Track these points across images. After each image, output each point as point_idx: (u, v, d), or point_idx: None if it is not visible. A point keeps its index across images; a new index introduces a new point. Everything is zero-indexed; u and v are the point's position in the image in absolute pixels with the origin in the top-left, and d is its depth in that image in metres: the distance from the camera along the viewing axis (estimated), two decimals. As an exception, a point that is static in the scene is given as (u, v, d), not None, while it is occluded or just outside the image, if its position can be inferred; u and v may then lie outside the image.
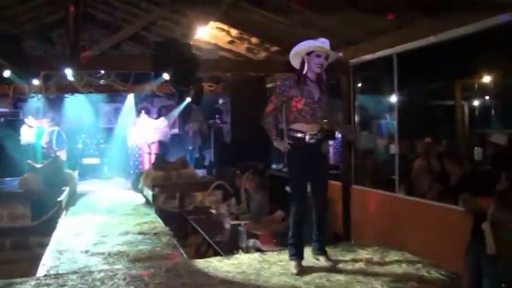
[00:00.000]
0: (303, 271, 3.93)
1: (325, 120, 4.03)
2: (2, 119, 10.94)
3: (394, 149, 6.08)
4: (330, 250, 4.49)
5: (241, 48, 7.94)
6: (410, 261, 4.19)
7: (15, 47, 6.03)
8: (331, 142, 9.22)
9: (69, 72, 7.03)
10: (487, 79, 7.61)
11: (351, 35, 6.29)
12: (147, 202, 8.64)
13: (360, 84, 7.00)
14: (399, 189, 5.92)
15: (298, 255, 4.06)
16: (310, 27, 6.34)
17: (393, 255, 4.37)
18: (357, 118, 6.82)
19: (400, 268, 4.02)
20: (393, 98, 6.45)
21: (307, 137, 3.98)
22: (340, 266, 4.12)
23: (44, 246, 7.04)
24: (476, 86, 8.02)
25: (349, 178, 6.64)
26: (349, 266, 4.10)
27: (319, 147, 4.03)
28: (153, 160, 10.95)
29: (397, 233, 5.35)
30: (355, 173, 6.72)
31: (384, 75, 6.55)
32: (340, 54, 4.21)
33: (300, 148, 4.02)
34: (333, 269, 4.00)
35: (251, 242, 5.07)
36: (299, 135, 4.01)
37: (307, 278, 3.82)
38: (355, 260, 4.26)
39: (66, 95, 10.50)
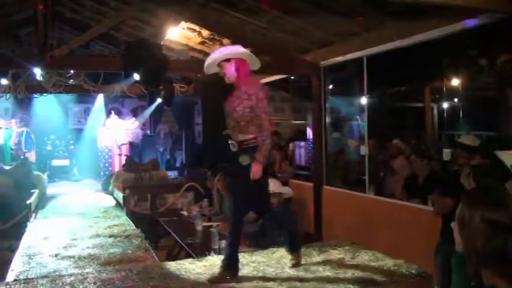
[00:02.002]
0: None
1: (238, 134, 3.83)
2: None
3: (364, 149, 6.17)
4: (302, 250, 4.53)
5: (213, 49, 7.92)
6: (382, 260, 4.24)
7: (-18, 46, 5.91)
8: (302, 143, 9.38)
9: (37, 72, 6.91)
10: (455, 82, 7.80)
11: (321, 37, 6.36)
12: (118, 204, 8.51)
13: (331, 86, 7.08)
14: (369, 190, 6.01)
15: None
16: (282, 29, 6.39)
17: (364, 255, 4.42)
18: (328, 119, 6.88)
19: (371, 267, 4.07)
20: (363, 100, 6.54)
21: (231, 145, 3.89)
22: (312, 266, 4.15)
23: (13, 250, 6.90)
24: (444, 89, 8.21)
25: (320, 179, 6.70)
26: (321, 266, 4.13)
27: (240, 157, 3.79)
28: (123, 162, 10.84)
29: (368, 233, 5.43)
30: (327, 174, 6.78)
31: (355, 77, 6.64)
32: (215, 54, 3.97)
33: (230, 156, 3.93)
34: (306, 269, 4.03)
35: (223, 243, 5.06)
36: (229, 141, 3.93)
37: (279, 279, 3.84)
38: (326, 260, 4.30)
39: (35, 95, 10.31)
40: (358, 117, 8.26)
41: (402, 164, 6.58)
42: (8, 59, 6.79)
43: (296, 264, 4.10)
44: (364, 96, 6.38)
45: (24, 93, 9.15)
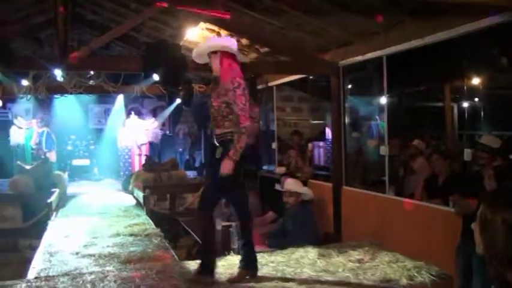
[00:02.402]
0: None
1: (216, 128, 3.81)
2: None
3: (384, 149, 6.12)
4: (321, 250, 4.52)
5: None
6: (402, 261, 4.21)
7: (4, 48, 5.99)
8: (321, 144, 9.35)
9: (58, 73, 6.99)
10: (476, 81, 7.69)
11: (340, 37, 6.33)
12: (138, 204, 8.59)
13: (350, 86, 7.04)
14: (389, 190, 5.96)
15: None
16: (300, 29, 6.38)
17: (384, 256, 4.39)
18: (347, 119, 6.84)
19: (391, 269, 4.03)
20: (383, 100, 6.49)
21: (214, 138, 3.88)
22: (331, 266, 4.14)
23: (34, 248, 7.01)
24: (465, 88, 8.10)
25: (339, 179, 6.66)
26: (340, 267, 4.11)
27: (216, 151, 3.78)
28: (143, 161, 10.93)
29: (388, 234, 5.38)
30: (346, 174, 6.74)
31: (374, 77, 6.59)
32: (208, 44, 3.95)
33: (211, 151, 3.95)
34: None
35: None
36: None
37: (298, 279, 3.83)
38: (346, 261, 4.28)
39: (55, 96, 10.44)
40: (377, 117, 8.20)
41: (422, 164, 6.52)
42: (29, 61, 6.90)
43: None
44: (383, 96, 6.33)
45: (45, 94, 9.27)
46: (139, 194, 8.57)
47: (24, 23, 8.39)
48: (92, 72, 8.62)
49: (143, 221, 6.93)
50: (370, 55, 6.11)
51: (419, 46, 5.31)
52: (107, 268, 4.57)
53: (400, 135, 7.23)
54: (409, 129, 8.23)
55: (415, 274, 3.87)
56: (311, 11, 5.67)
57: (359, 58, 6.33)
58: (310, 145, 8.83)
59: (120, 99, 12.76)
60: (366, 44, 6.09)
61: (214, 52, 3.88)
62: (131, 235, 6.04)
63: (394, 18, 5.30)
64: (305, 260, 4.31)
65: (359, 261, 4.27)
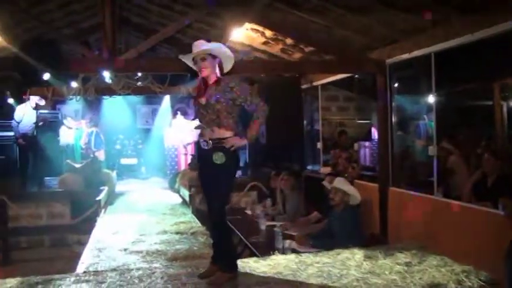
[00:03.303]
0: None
1: (210, 128, 3.83)
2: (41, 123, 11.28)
3: (432, 150, 5.97)
4: (367, 252, 4.46)
5: (276, 49, 7.94)
6: (450, 265, 4.12)
7: (55, 51, 6.19)
8: (367, 143, 9.22)
9: (107, 75, 7.17)
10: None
11: (387, 35, 6.21)
12: (184, 202, 8.74)
13: (396, 84, 6.90)
14: (437, 191, 5.81)
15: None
16: (346, 27, 6.31)
17: (432, 259, 4.30)
18: (394, 119, 6.71)
19: (439, 273, 3.95)
20: (431, 98, 6.33)
21: (201, 143, 3.88)
22: (378, 269, 4.08)
23: (82, 243, 7.22)
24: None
25: (386, 180, 6.55)
26: (387, 269, 4.05)
27: (212, 156, 3.77)
28: (189, 161, 11.07)
29: (436, 237, 5.25)
30: (393, 175, 6.61)
31: (422, 75, 6.44)
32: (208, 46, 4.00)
33: (200, 155, 3.98)
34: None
35: (287, 243, 5.07)
36: (199, 139, 3.94)
37: (344, 280, 3.80)
38: (393, 263, 4.21)
39: (104, 97, 10.71)
40: (425, 116, 8.00)
41: (456, 163, 6.38)
42: (79, 64, 7.11)
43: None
44: (432, 95, 6.17)
45: (94, 95, 9.52)
46: (185, 193, 8.71)
47: (74, 27, 8.68)
48: (139, 74, 8.78)
49: (189, 219, 7.05)
50: (417, 52, 5.97)
51: (468, 42, 5.15)
52: (154, 265, 4.66)
53: (448, 135, 7.04)
54: (458, 129, 8.00)
55: (464, 279, 3.78)
56: (357, 9, 5.61)
57: (406, 56, 6.20)
58: (356, 145, 8.72)
59: (166, 99, 12.98)
60: (412, 41, 5.95)
61: (213, 56, 3.95)
62: (177, 233, 6.15)
63: (442, 14, 5.17)
64: (351, 261, 4.27)
65: (406, 264, 4.20)
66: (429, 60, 5.76)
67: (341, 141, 8.90)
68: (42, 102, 10.31)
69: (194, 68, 4.04)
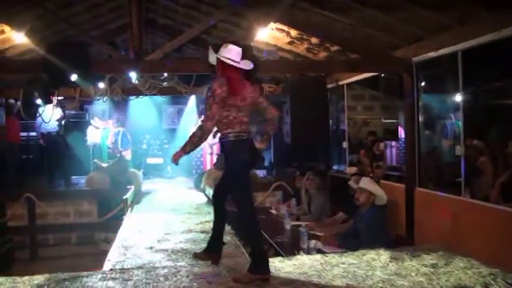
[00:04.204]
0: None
1: None
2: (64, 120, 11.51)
3: (459, 149, 5.87)
4: (393, 253, 4.42)
5: (301, 48, 7.93)
6: (477, 268, 4.04)
7: (82, 53, 6.30)
8: (393, 143, 9.13)
9: (133, 76, 7.28)
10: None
11: (413, 33, 6.14)
12: (209, 201, 8.76)
13: (423, 83, 6.81)
14: (465, 192, 5.71)
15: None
16: (371, 26, 6.26)
17: (459, 261, 4.23)
18: (421, 118, 6.63)
19: (465, 275, 3.88)
20: (458, 97, 6.23)
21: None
22: (404, 270, 4.03)
23: (109, 241, 7.33)
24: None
25: (413, 180, 6.47)
26: (413, 271, 4.00)
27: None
28: (214, 160, 11.11)
29: (463, 238, 5.17)
30: (419, 175, 6.53)
31: (449, 73, 6.34)
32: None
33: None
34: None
35: (312, 243, 5.05)
36: (252, 137, 4.25)
37: (369, 281, 3.77)
38: (419, 265, 4.16)
39: (130, 97, 10.85)
40: (452, 115, 7.88)
41: (486, 164, 6.26)
42: (106, 65, 7.21)
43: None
44: (459, 93, 6.07)
45: (121, 96, 9.66)
46: (211, 192, 8.74)
47: (101, 29, 8.81)
48: (165, 74, 8.87)
49: (214, 219, 7.06)
50: (444, 51, 5.88)
51: (496, 40, 5.05)
52: (180, 263, 4.69)
53: (476, 134, 6.92)
54: (485, 128, 7.85)
55: (491, 281, 3.71)
56: (382, 7, 5.55)
57: (432, 54, 6.11)
58: (382, 144, 8.64)
59: (192, 100, 13.06)
60: (439, 39, 5.87)
61: (217, 62, 4.14)
62: (203, 232, 6.17)
63: (469, 11, 5.08)
64: (377, 262, 4.23)
65: (433, 266, 4.14)
66: (456, 58, 5.68)
67: (369, 141, 8.83)
68: (69, 103, 10.52)
69: None
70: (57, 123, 10.15)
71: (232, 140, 4.01)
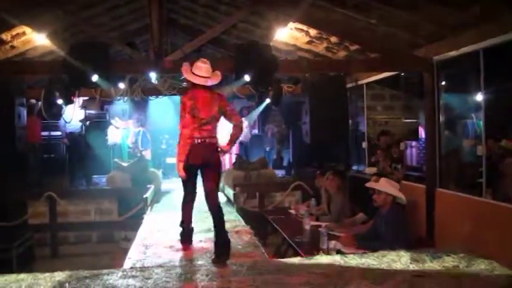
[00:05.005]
0: None
1: None
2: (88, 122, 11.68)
3: (481, 150, 5.79)
4: (414, 254, 4.38)
5: (320, 48, 7.90)
6: (498, 270, 3.99)
7: (103, 53, 6.38)
8: (413, 143, 9.04)
9: (153, 76, 7.32)
10: None
11: (433, 31, 6.07)
12: (228, 201, 8.80)
13: (444, 82, 6.74)
14: (486, 193, 5.62)
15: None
16: (391, 24, 6.21)
17: (480, 264, 4.18)
18: (441, 117, 6.56)
19: (487, 278, 3.83)
20: (479, 96, 6.15)
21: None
22: (425, 272, 4.00)
23: (129, 240, 7.40)
24: None
25: (433, 180, 6.40)
26: (434, 273, 3.96)
27: None
28: (233, 160, 11.14)
29: (485, 240, 5.08)
30: (440, 176, 6.45)
31: (470, 72, 6.26)
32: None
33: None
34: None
35: (332, 243, 5.03)
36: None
37: (389, 282, 3.74)
38: (440, 267, 4.12)
39: (150, 97, 10.93)
40: (473, 115, 7.77)
41: (509, 165, 6.15)
42: (126, 65, 7.29)
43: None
44: (480, 93, 5.99)
45: (141, 96, 9.75)
46: (230, 192, 8.78)
47: (121, 30, 8.90)
48: (185, 74, 8.92)
49: (234, 218, 7.09)
50: (465, 49, 5.80)
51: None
52: (199, 262, 4.72)
53: (498, 134, 6.82)
54: (508, 128, 7.73)
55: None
56: (402, 5, 5.50)
57: (453, 53, 6.04)
58: (402, 145, 8.57)
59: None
60: (460, 37, 5.79)
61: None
62: (222, 231, 6.19)
63: (491, 8, 5.00)
64: (397, 264, 4.20)
65: (454, 268, 4.09)
66: (478, 57, 5.60)
67: (381, 141, 8.75)
68: (90, 103, 10.67)
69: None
70: (80, 123, 10.29)
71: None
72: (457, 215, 5.83)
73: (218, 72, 5.01)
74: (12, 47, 7.42)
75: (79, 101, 10.83)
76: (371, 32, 6.62)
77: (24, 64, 7.25)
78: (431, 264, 4.19)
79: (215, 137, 5.01)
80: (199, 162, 4.94)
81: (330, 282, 3.80)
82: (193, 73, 4.89)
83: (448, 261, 4.28)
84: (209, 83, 4.89)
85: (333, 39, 7.41)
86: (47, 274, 4.16)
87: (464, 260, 4.29)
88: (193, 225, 5.78)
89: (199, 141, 4.87)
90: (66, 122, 10.07)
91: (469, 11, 5.14)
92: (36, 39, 7.30)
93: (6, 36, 7.05)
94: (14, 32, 7.05)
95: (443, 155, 6.62)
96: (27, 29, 7.01)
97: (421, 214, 6.40)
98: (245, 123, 12.13)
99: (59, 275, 4.12)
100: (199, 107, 4.81)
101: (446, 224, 6.05)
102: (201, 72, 4.86)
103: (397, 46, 6.75)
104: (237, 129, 5.12)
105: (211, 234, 6.00)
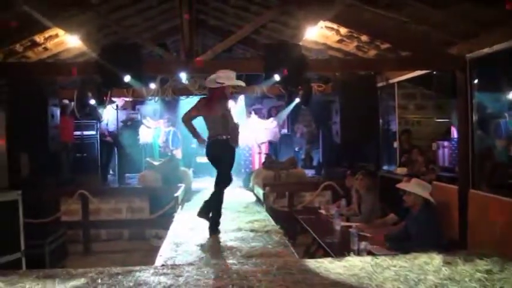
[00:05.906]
0: None
1: None
2: (129, 122, 11.90)
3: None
4: (446, 257, 4.32)
5: (351, 47, 7.84)
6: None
7: (135, 54, 6.48)
8: (446, 143, 8.91)
9: (183, 76, 7.41)
10: None
11: (466, 29, 5.96)
12: (258, 200, 8.83)
13: (477, 81, 6.60)
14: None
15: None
16: (423, 22, 6.12)
17: (513, 268, 4.08)
18: (474, 117, 6.43)
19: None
20: (513, 95, 6.01)
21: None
22: (457, 275, 3.93)
23: (160, 238, 7.50)
24: None
25: (466, 182, 6.28)
26: (467, 276, 3.89)
27: None
28: (263, 160, 11.17)
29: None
30: (473, 176, 6.32)
31: (504, 70, 6.12)
32: None
33: None
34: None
35: (363, 244, 5.00)
36: None
37: (421, 286, 3.69)
38: (472, 270, 4.03)
39: (181, 98, 11.05)
40: (506, 114, 7.60)
41: None
42: (158, 66, 7.39)
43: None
44: (514, 91, 5.85)
45: (171, 96, 9.88)
46: (259, 191, 8.80)
47: (152, 31, 9.02)
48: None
49: (263, 218, 7.11)
50: (499, 46, 5.67)
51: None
52: (230, 261, 4.74)
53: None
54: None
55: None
56: (434, 3, 5.42)
57: (487, 50, 5.91)
58: (434, 145, 8.45)
59: (241, 99, 13.15)
60: (494, 34, 5.66)
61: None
62: (252, 230, 6.22)
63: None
64: (429, 266, 4.13)
65: (487, 271, 4.00)
66: (511, 54, 5.47)
67: (402, 140, 8.63)
68: (122, 103, 10.88)
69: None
70: (120, 122, 10.53)
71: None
72: (490, 217, 5.71)
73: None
74: (45, 48, 7.60)
75: (119, 101, 11.11)
76: (402, 30, 6.54)
77: (59, 66, 7.42)
78: (464, 268, 4.11)
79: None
80: None
81: (362, 284, 3.78)
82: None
83: (481, 265, 4.18)
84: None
85: (364, 38, 7.35)
86: (80, 270, 4.23)
87: (497, 264, 4.19)
88: (224, 224, 5.92)
89: None
90: (99, 122, 10.30)
91: (501, 7, 5.03)
92: (69, 41, 7.45)
93: (39, 38, 7.22)
94: (46, 34, 7.22)
95: (477, 155, 6.49)
96: (60, 31, 7.17)
97: (453, 216, 6.29)
98: (274, 123, 12.16)
99: (92, 271, 4.18)
100: None
101: (479, 226, 5.93)
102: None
103: (429, 44, 6.65)
104: None
105: (241, 234, 6.06)
